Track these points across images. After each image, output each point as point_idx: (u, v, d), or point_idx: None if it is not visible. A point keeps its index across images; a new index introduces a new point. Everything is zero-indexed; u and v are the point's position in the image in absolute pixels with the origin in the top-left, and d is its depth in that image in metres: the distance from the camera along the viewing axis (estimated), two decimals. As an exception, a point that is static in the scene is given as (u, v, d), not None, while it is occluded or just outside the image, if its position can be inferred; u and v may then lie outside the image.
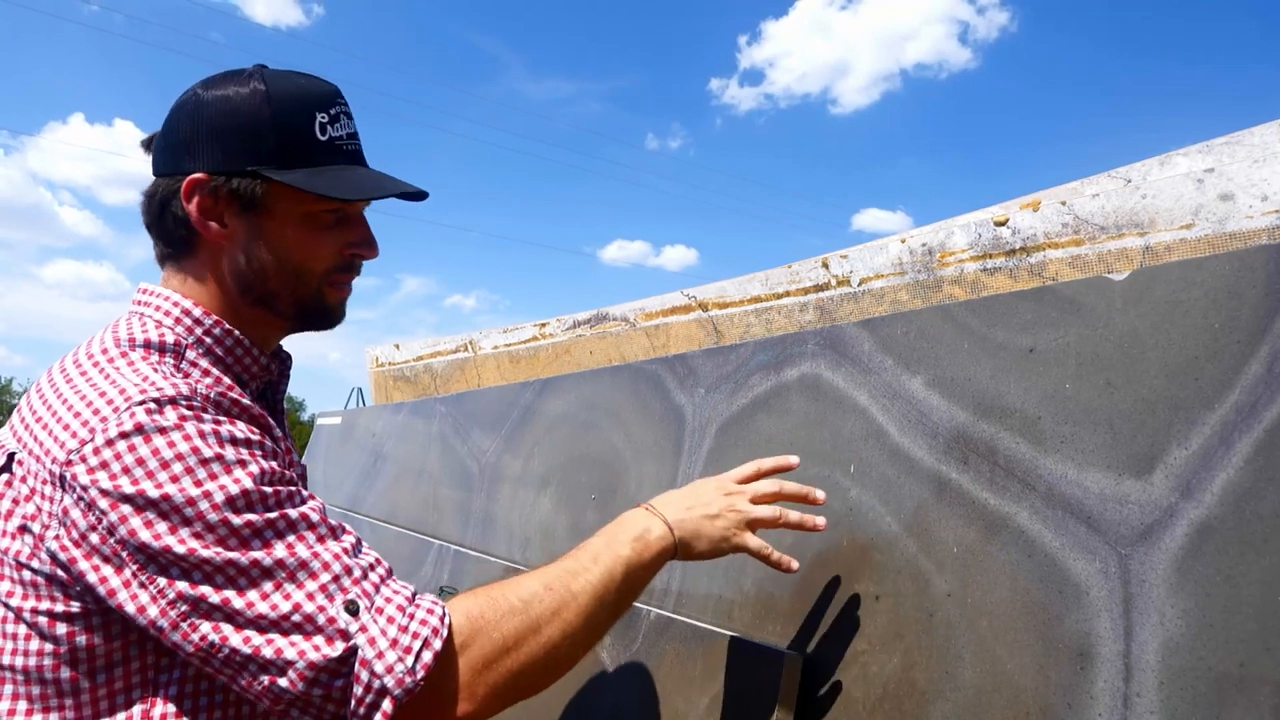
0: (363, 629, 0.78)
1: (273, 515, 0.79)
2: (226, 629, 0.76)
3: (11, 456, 0.84)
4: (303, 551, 0.79)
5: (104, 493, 0.76)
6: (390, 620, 0.79)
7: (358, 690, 0.77)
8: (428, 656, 0.79)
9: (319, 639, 0.77)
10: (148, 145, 0.99)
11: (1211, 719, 0.72)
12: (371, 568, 0.83)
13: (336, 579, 0.79)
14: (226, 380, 0.92)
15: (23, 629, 0.80)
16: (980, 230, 1.36)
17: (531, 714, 1.17)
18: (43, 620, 0.80)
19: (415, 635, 0.79)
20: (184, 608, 0.76)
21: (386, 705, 0.77)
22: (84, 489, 0.77)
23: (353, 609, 0.79)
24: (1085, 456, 0.88)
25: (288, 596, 0.77)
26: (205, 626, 0.76)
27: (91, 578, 0.77)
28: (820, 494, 1.06)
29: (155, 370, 0.84)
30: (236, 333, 0.95)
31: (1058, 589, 0.86)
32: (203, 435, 0.80)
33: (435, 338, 3.19)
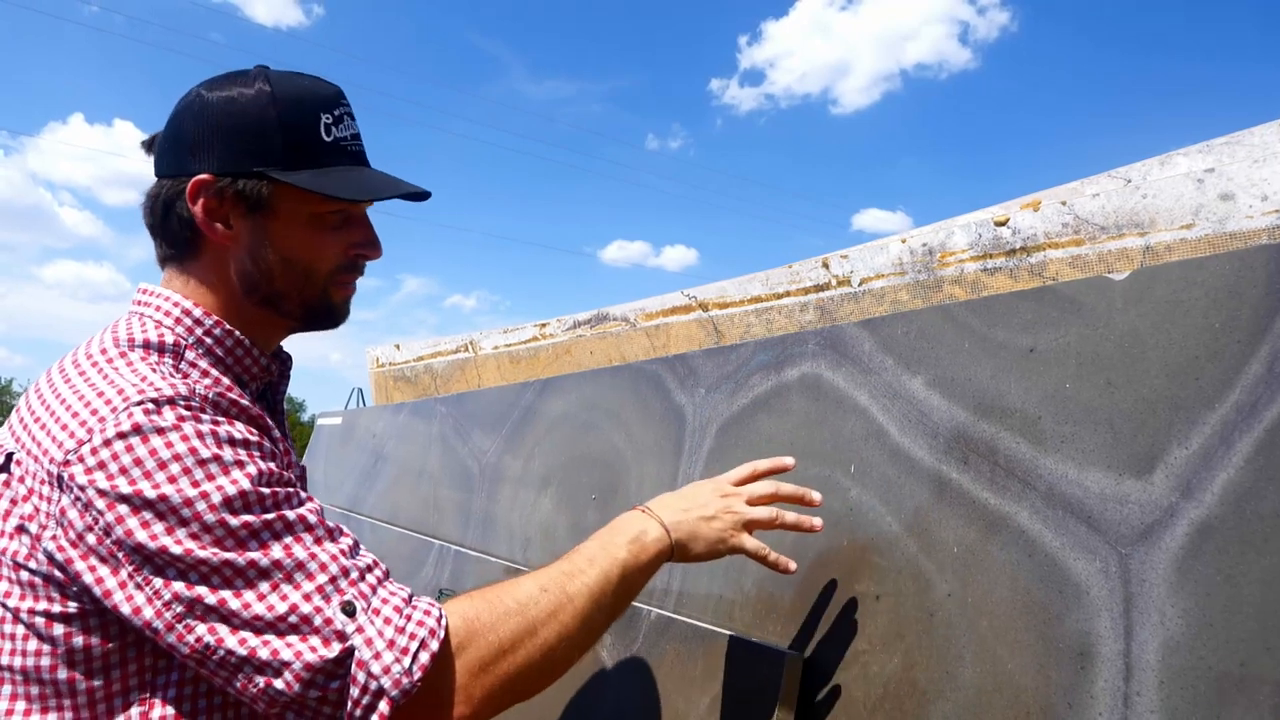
0: (359, 630, 0.78)
1: (270, 516, 0.79)
2: (222, 630, 0.76)
3: (10, 456, 0.84)
4: (300, 553, 0.79)
5: (101, 493, 0.76)
6: (387, 621, 0.79)
7: (354, 691, 0.77)
8: (424, 658, 0.78)
9: (315, 640, 0.77)
10: (148, 146, 0.98)
11: (1212, 718, 0.72)
12: (369, 569, 0.83)
13: (333, 580, 0.79)
14: (225, 381, 0.91)
15: (21, 629, 0.80)
16: (980, 230, 1.35)
17: (532, 714, 1.17)
18: (40, 621, 0.79)
19: (412, 636, 0.79)
20: (180, 608, 0.76)
21: (383, 706, 0.77)
22: (81, 489, 0.77)
23: (349, 610, 0.78)
24: (1085, 456, 0.88)
25: (284, 598, 0.77)
26: (201, 628, 0.76)
27: (88, 578, 0.77)
28: (816, 495, 1.05)
29: (154, 370, 0.84)
30: (237, 333, 0.95)
31: (1058, 589, 0.86)
32: (200, 436, 0.80)
33: (436, 338, 3.19)
